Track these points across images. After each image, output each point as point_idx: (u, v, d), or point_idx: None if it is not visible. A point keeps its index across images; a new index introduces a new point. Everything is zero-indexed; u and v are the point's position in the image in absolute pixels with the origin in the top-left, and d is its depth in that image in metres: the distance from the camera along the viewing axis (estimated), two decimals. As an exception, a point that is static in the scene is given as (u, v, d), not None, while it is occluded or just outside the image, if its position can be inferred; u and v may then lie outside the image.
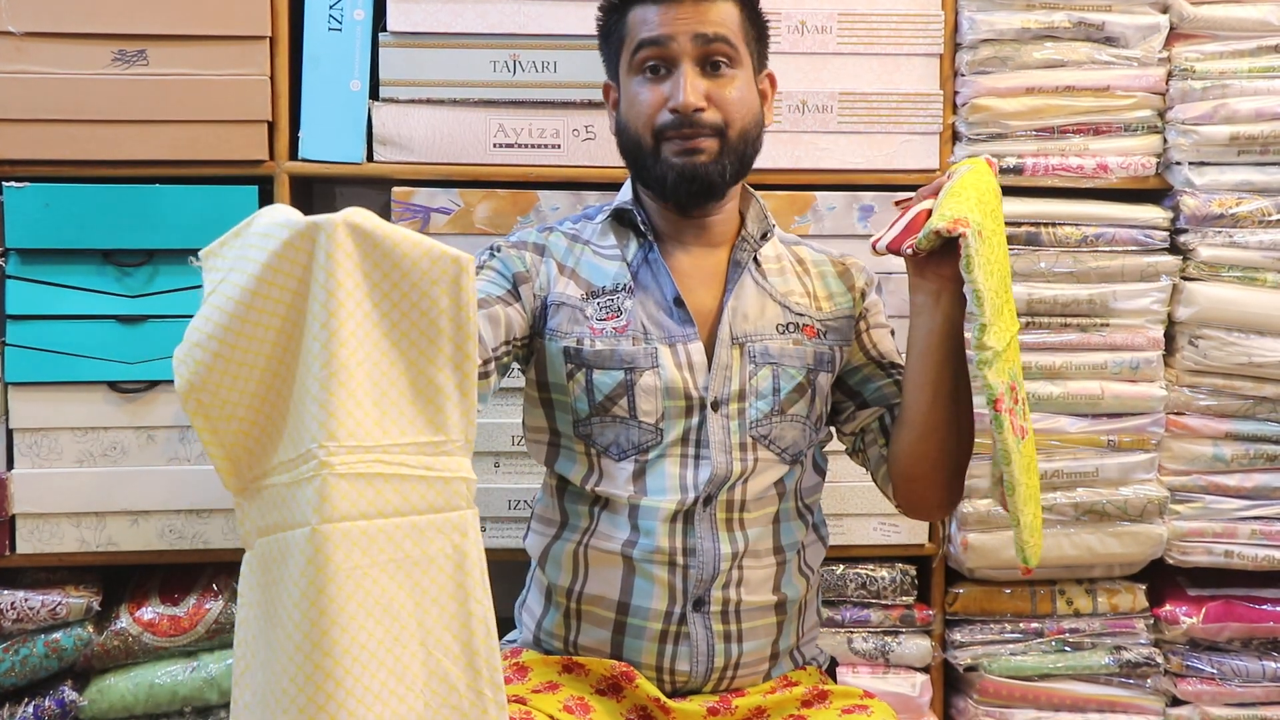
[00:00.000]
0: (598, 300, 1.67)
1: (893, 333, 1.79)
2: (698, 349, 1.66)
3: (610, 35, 1.69)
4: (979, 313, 1.47)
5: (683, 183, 1.63)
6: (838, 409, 1.77)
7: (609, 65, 1.72)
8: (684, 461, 1.64)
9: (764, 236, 1.73)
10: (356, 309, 1.25)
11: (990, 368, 1.49)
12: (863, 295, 1.76)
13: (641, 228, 1.70)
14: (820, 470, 1.78)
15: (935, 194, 1.60)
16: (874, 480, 1.75)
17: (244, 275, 1.25)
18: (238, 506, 1.33)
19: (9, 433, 2.17)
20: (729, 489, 1.65)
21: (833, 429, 1.80)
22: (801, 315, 1.71)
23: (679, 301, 1.66)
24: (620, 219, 1.73)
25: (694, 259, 1.70)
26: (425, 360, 1.30)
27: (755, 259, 1.72)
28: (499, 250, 1.71)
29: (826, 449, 1.81)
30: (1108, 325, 2.30)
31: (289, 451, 1.27)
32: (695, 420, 1.64)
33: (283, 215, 1.28)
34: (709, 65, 1.62)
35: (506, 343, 1.63)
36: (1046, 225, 2.28)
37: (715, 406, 1.65)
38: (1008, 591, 2.35)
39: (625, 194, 1.75)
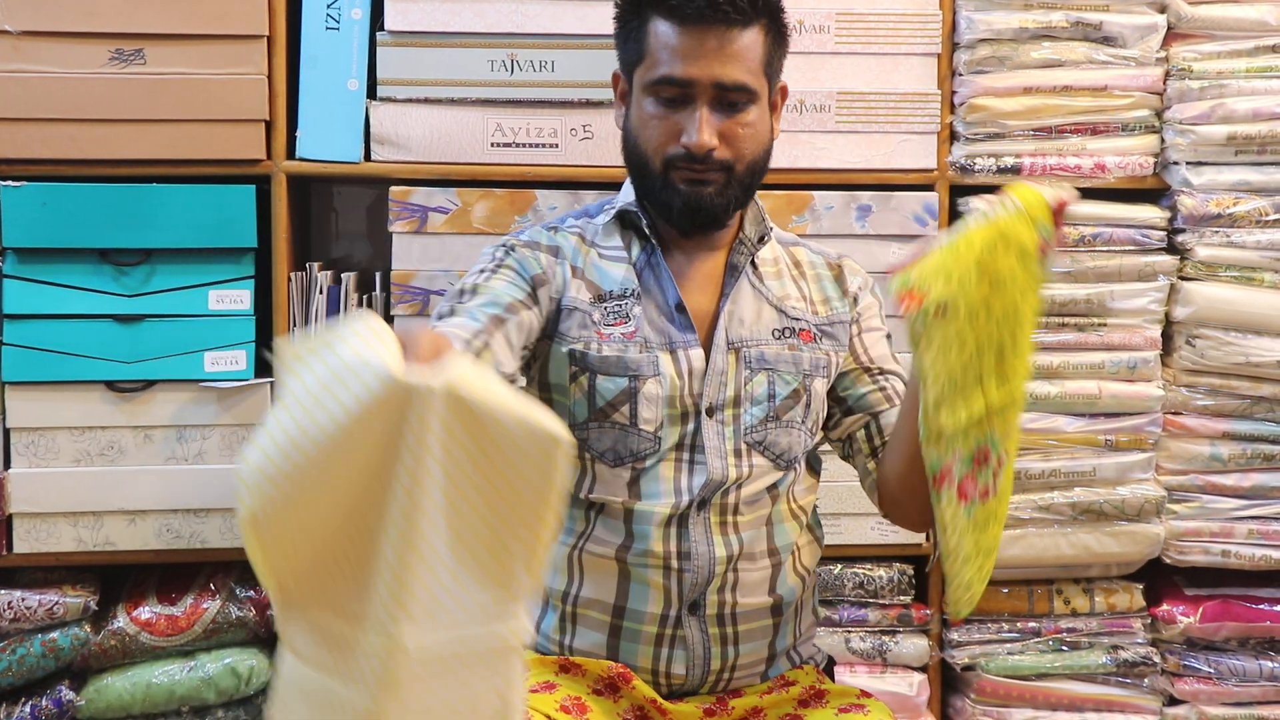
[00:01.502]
0: (605, 305, 1.66)
1: (889, 336, 1.78)
2: (698, 355, 1.65)
3: (628, 37, 1.66)
4: (922, 393, 1.40)
5: (688, 212, 1.63)
6: (828, 415, 1.77)
7: (622, 61, 1.69)
8: (678, 466, 1.64)
9: (761, 240, 1.72)
10: (443, 478, 1.21)
11: (934, 444, 1.41)
12: (855, 299, 1.75)
13: (646, 231, 1.69)
14: (815, 472, 1.77)
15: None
16: (862, 486, 1.75)
17: (329, 417, 1.18)
18: (278, 607, 1.28)
19: (6, 432, 2.16)
20: (723, 493, 1.64)
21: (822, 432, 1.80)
22: (798, 320, 1.70)
23: (681, 307, 1.66)
24: (623, 220, 1.73)
25: (693, 262, 1.70)
26: (505, 529, 1.26)
27: (752, 261, 1.72)
28: (514, 249, 1.68)
29: (822, 449, 1.80)
30: (1105, 325, 2.30)
31: (354, 605, 1.24)
32: (691, 426, 1.64)
33: (378, 355, 1.18)
34: (724, 103, 1.61)
35: (526, 347, 1.62)
36: (1044, 225, 2.28)
37: (710, 412, 1.65)
38: (1005, 591, 2.36)
39: (628, 194, 1.73)
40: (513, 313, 1.59)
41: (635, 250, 1.70)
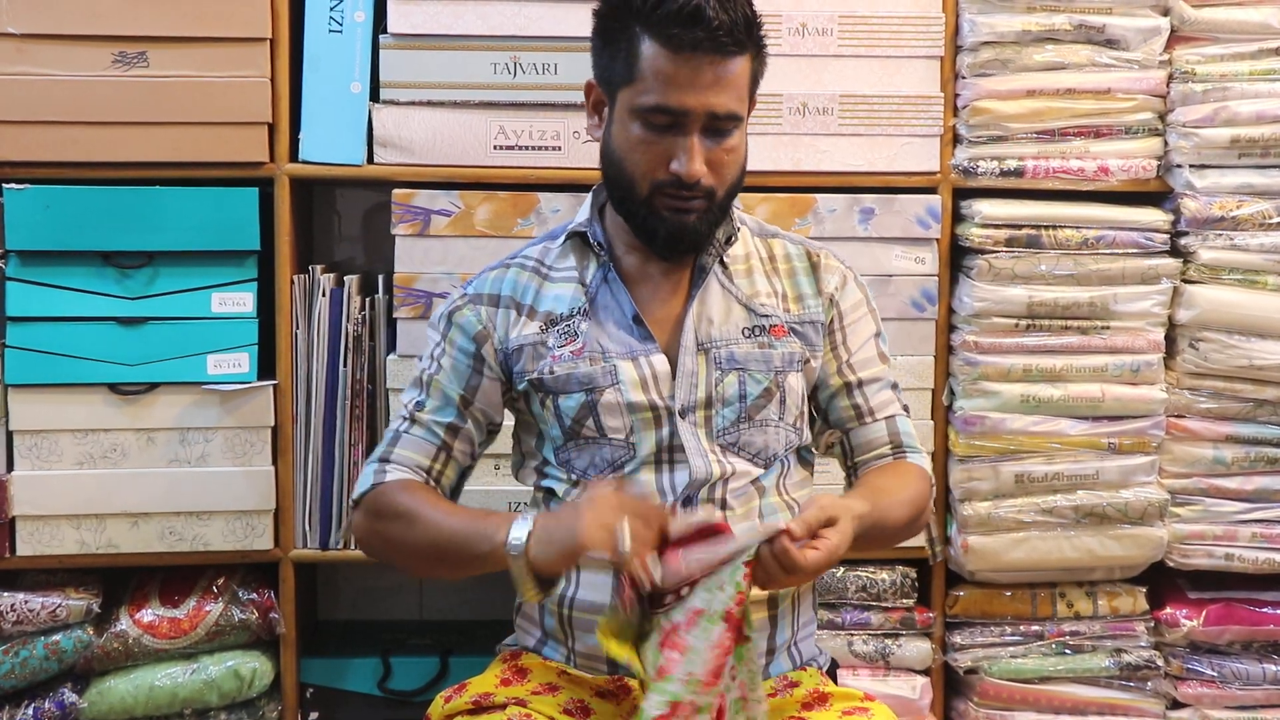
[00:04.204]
0: (557, 328, 1.68)
1: (878, 334, 1.78)
2: (661, 360, 1.66)
3: (613, 52, 1.63)
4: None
5: (671, 240, 1.64)
6: (812, 418, 1.78)
7: (602, 70, 1.67)
8: (659, 469, 1.65)
9: (729, 241, 1.72)
10: None
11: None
12: (832, 299, 1.75)
13: (597, 250, 1.70)
14: (808, 464, 1.78)
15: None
16: None
17: None
18: None
19: (9, 435, 2.17)
20: (709, 489, 1.65)
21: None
22: (768, 316, 1.71)
23: (638, 319, 1.67)
24: (582, 238, 1.73)
25: (658, 267, 1.70)
26: None
27: (721, 261, 1.72)
28: (454, 316, 1.71)
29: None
30: (1108, 328, 2.30)
31: None
32: (666, 430, 1.65)
33: None
34: (713, 130, 1.60)
35: (493, 421, 1.74)
36: (1047, 228, 2.28)
37: (683, 414, 1.65)
38: (1008, 594, 2.35)
39: (583, 213, 1.74)
40: (466, 406, 1.69)
41: (591, 268, 1.71)
